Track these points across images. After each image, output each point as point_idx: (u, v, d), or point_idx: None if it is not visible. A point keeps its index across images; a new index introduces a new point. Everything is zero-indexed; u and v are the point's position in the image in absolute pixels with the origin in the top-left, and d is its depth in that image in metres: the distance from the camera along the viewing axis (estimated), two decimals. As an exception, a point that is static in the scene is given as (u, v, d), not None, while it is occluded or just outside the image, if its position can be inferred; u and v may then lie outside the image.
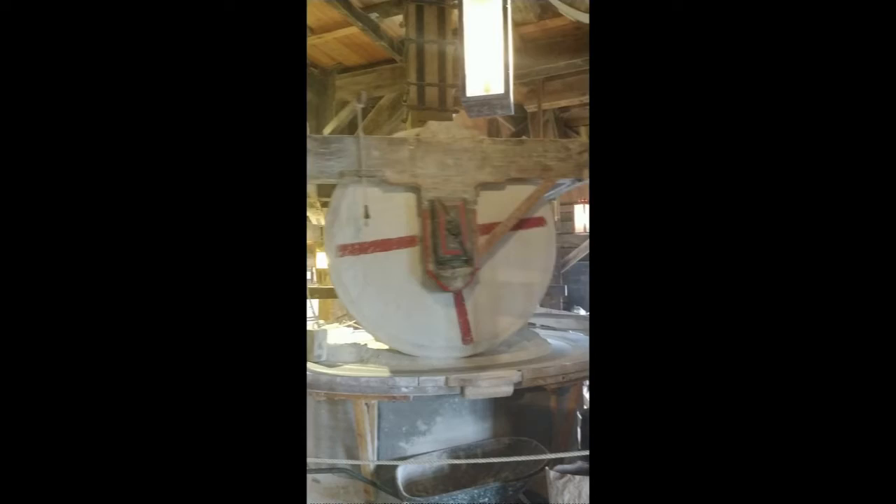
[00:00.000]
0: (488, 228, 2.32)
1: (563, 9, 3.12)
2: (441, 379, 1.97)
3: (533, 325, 2.94)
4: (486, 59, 1.83)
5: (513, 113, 2.19)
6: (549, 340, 2.68)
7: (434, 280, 2.25)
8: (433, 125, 2.31)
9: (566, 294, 5.80)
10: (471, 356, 2.35)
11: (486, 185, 2.32)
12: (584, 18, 3.23)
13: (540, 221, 2.44)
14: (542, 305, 3.32)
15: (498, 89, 1.84)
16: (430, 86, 2.57)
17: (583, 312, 4.44)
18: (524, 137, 2.36)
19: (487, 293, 2.37)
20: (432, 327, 2.32)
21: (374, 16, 3.31)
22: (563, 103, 5.17)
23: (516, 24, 3.64)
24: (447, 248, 2.20)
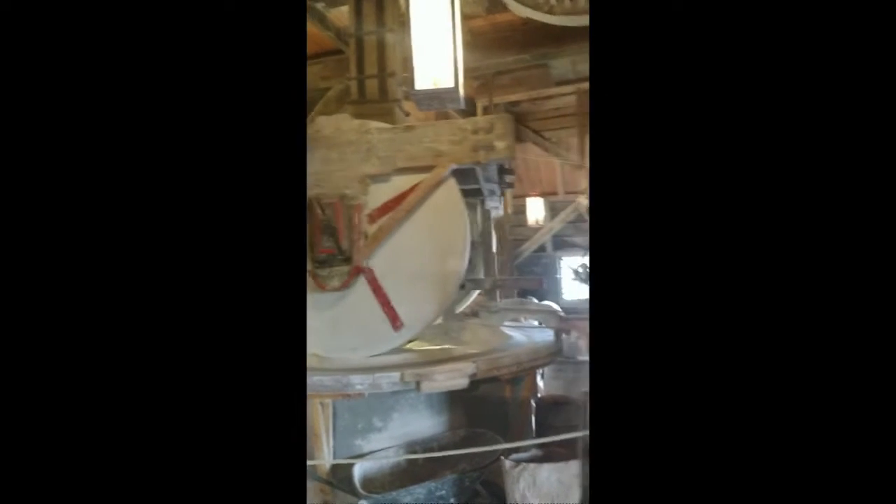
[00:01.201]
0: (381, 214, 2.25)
1: (512, 4, 3.14)
2: (396, 375, 1.95)
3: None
4: (435, 53, 1.82)
5: (463, 107, 2.19)
6: (508, 332, 2.73)
7: (313, 280, 2.19)
8: (321, 120, 2.24)
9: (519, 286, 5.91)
10: (412, 343, 2.34)
11: (376, 178, 2.25)
12: (533, 14, 3.26)
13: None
14: (497, 298, 3.37)
15: (447, 83, 1.84)
16: (370, 78, 2.51)
17: (547, 304, 4.56)
18: (414, 124, 2.26)
19: (402, 275, 2.29)
20: (360, 326, 2.27)
21: (320, 5, 3.23)
22: (513, 98, 5.25)
23: (465, 18, 3.63)
24: (322, 247, 2.16)
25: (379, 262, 2.25)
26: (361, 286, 2.24)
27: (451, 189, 2.28)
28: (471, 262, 2.94)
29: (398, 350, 2.32)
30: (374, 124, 2.29)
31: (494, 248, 3.27)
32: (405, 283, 2.27)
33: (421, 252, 2.27)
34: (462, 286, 2.65)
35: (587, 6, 3.08)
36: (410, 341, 2.35)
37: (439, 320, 2.61)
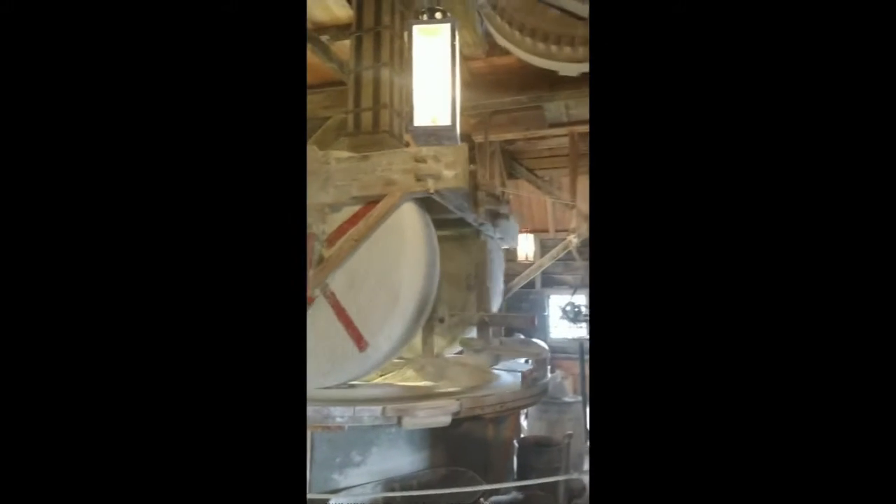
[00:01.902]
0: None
1: (511, 48, 3.26)
2: (378, 409, 1.92)
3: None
4: (435, 91, 1.87)
5: (458, 143, 2.23)
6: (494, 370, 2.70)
7: None
8: None
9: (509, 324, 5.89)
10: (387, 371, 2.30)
11: (334, 206, 2.26)
12: (530, 59, 3.39)
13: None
14: (489, 334, 3.33)
15: (445, 121, 1.88)
16: (366, 111, 2.57)
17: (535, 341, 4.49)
18: (371, 153, 2.27)
19: (362, 296, 2.26)
20: (328, 348, 2.24)
21: (324, 38, 3.32)
22: (508, 136, 5.37)
23: (465, 59, 3.76)
24: None
25: (340, 285, 2.25)
26: (325, 309, 2.23)
27: (411, 213, 2.27)
28: (464, 295, 2.92)
29: (380, 384, 2.29)
30: (336, 154, 2.32)
31: (493, 283, 3.21)
32: (366, 304, 2.25)
33: (379, 274, 2.25)
34: (441, 320, 2.61)
35: (586, 54, 3.21)
36: (383, 374, 2.29)
37: (416, 353, 2.57)
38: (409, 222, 2.27)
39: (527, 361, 2.82)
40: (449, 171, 2.14)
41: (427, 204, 2.33)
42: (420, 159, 2.13)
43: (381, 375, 2.43)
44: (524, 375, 2.31)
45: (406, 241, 2.27)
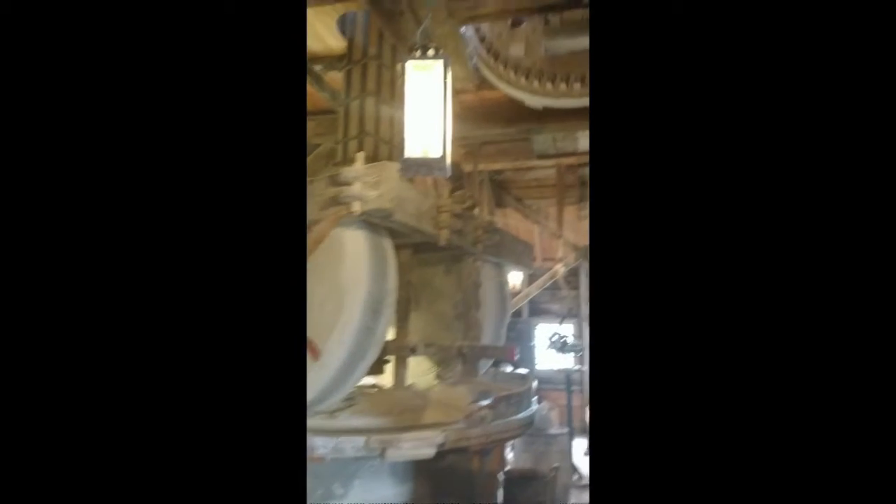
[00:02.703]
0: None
1: (500, 84, 3.36)
2: (361, 440, 1.89)
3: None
4: (426, 124, 1.91)
5: (449, 175, 2.27)
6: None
7: None
8: None
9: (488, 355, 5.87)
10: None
11: None
12: (517, 94, 3.50)
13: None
14: (474, 367, 3.28)
15: (436, 153, 1.92)
16: (352, 139, 2.60)
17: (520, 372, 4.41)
18: (313, 178, 2.16)
19: (312, 312, 2.21)
20: None
21: (318, 68, 3.39)
22: (497, 166, 5.47)
23: (456, 92, 3.84)
24: None
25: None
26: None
27: (354, 237, 2.17)
28: (452, 324, 2.86)
29: (364, 414, 2.25)
30: None
31: (487, 311, 3.06)
32: (315, 316, 2.10)
33: (323, 290, 2.19)
34: (413, 350, 2.53)
35: (582, 90, 3.33)
36: (352, 405, 2.21)
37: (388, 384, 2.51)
38: (349, 238, 2.18)
39: (489, 398, 2.67)
40: (371, 191, 2.00)
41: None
42: (343, 182, 2.00)
43: (350, 406, 2.36)
44: (470, 413, 2.19)
45: (345, 255, 2.18)
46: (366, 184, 2.01)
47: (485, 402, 2.29)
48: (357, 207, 2.04)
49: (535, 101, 3.50)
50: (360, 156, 2.61)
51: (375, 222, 2.15)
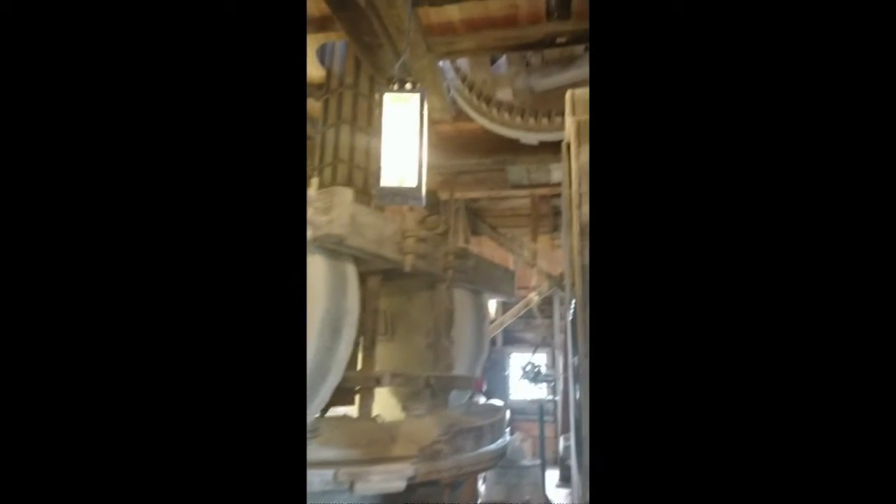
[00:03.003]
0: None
1: (474, 115, 3.46)
2: (329, 472, 1.84)
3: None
4: (403, 155, 1.94)
5: (423, 204, 2.29)
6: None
7: None
8: None
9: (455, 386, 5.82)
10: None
11: None
12: (490, 125, 3.61)
13: None
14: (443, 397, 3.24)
15: (411, 183, 1.94)
16: (327, 166, 2.62)
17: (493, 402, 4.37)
18: None
19: None
20: None
21: (297, 96, 3.43)
22: (472, 195, 5.56)
23: (433, 122, 3.93)
24: None
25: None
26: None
27: (311, 262, 2.08)
28: (424, 355, 2.80)
29: (330, 445, 2.18)
30: None
31: (462, 339, 2.97)
32: None
33: None
34: (378, 380, 2.44)
35: (555, 125, 3.45)
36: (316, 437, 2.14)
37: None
38: (315, 274, 2.09)
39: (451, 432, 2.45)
40: (322, 216, 1.93)
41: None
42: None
43: (313, 436, 2.28)
44: (421, 449, 2.11)
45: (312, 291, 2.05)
46: (316, 209, 1.95)
47: (441, 437, 2.22)
48: (309, 233, 1.94)
49: (511, 133, 3.61)
50: (314, 182, 2.60)
51: (330, 248, 2.08)
